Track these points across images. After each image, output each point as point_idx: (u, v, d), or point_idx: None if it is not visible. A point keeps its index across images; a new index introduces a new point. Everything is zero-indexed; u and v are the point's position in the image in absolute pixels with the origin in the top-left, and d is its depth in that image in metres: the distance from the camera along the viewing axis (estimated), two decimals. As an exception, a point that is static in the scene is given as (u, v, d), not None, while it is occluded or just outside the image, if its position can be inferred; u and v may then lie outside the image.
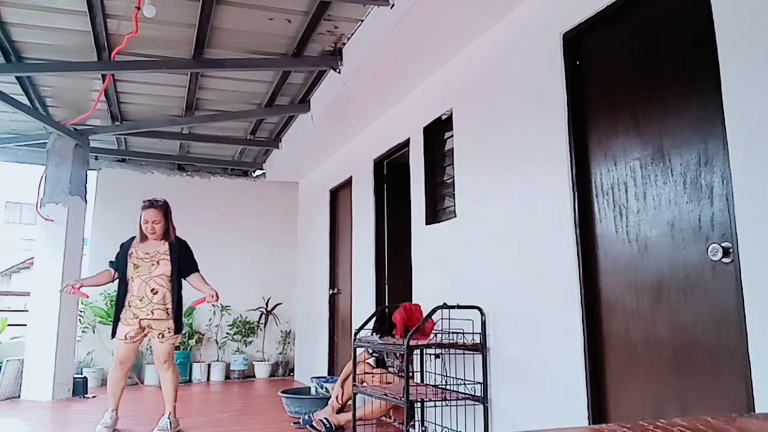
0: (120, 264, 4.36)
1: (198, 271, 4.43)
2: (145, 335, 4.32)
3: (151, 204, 4.35)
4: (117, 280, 4.38)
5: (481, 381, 3.34)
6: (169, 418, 4.26)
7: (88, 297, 4.46)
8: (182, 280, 4.37)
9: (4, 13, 4.09)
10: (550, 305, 2.93)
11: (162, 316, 4.23)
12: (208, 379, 7.45)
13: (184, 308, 4.58)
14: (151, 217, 4.29)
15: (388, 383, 4.04)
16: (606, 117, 2.71)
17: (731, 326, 2.05)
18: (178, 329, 4.31)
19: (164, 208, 4.36)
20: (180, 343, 7.24)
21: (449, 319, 3.45)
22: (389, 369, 4.42)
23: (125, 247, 4.39)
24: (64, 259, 5.92)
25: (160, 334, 4.24)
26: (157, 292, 4.22)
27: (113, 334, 4.30)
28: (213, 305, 7.59)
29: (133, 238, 4.40)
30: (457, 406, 3.52)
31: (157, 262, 4.27)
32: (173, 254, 4.31)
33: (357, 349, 3.93)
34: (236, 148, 7.33)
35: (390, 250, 5.27)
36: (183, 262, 4.38)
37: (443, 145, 4.28)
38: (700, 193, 2.20)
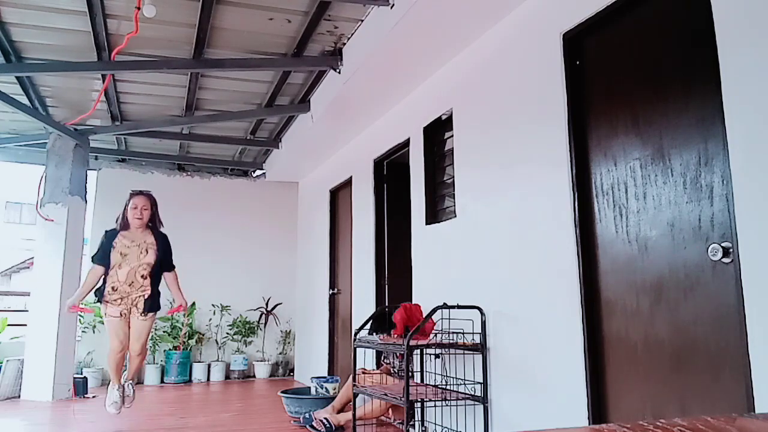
0: (103, 257, 4.42)
1: (173, 270, 4.61)
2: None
3: (140, 192, 4.55)
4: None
5: (481, 381, 3.34)
6: (131, 381, 4.55)
7: (93, 312, 4.57)
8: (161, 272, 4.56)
9: (4, 13, 4.09)
10: (550, 305, 2.93)
11: (149, 296, 4.41)
12: (208, 379, 7.45)
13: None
14: (140, 202, 4.44)
15: (385, 384, 4.03)
16: (606, 117, 2.71)
17: (731, 326, 2.05)
18: (156, 307, 4.52)
19: (152, 198, 4.55)
20: (180, 343, 7.27)
21: (449, 319, 3.45)
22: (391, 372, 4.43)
23: (109, 238, 4.46)
24: (64, 259, 5.92)
25: (142, 312, 4.39)
26: (146, 277, 4.41)
27: (98, 299, 4.46)
28: (213, 305, 7.62)
29: (116, 229, 4.48)
30: (457, 406, 3.52)
31: (146, 250, 4.42)
32: (159, 245, 4.48)
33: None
34: (236, 148, 7.33)
35: (390, 250, 5.27)
36: (165, 258, 4.55)
37: (443, 145, 4.28)
38: (700, 193, 2.20)
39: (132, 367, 4.54)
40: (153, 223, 4.51)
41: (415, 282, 4.46)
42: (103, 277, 4.45)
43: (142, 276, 4.39)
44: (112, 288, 4.36)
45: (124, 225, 4.46)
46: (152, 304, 4.45)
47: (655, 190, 2.40)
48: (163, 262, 4.53)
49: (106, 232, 4.53)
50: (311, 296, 7.25)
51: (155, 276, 4.47)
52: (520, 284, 3.19)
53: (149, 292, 4.42)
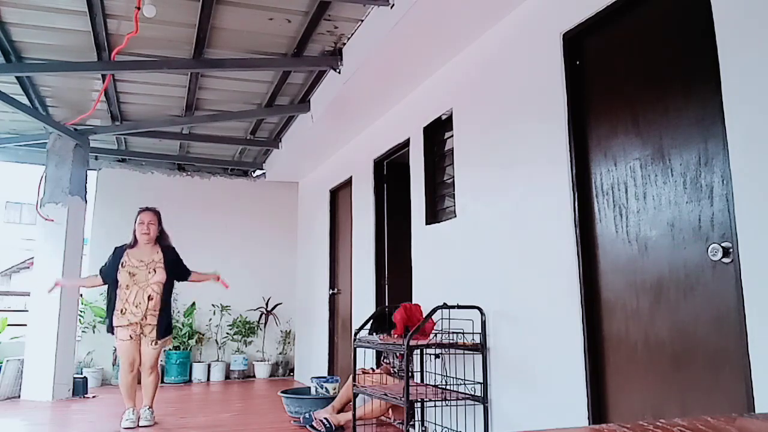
0: (110, 272, 4.55)
1: (191, 272, 4.78)
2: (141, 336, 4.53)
3: (147, 208, 4.71)
4: (107, 285, 4.59)
5: (481, 381, 3.34)
6: (149, 409, 4.55)
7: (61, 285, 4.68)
8: (173, 287, 4.66)
9: (4, 13, 4.09)
10: (550, 305, 2.93)
11: (153, 322, 4.47)
12: (208, 379, 7.45)
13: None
14: (147, 218, 4.61)
15: (385, 384, 4.03)
16: (606, 117, 2.71)
17: (731, 326, 2.05)
18: (168, 332, 4.61)
19: (158, 214, 4.71)
20: (180, 343, 7.27)
21: (449, 319, 3.45)
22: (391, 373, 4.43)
23: (117, 255, 4.59)
24: (64, 259, 5.92)
25: (152, 341, 4.49)
26: (152, 298, 4.48)
27: (109, 330, 4.56)
28: (213, 305, 7.62)
29: (125, 246, 4.62)
30: (457, 406, 3.52)
31: (154, 270, 4.52)
32: (167, 262, 4.58)
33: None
34: (236, 148, 7.33)
35: (390, 250, 5.27)
36: (177, 270, 4.67)
37: (443, 145, 4.28)
38: (700, 193, 2.20)
39: (148, 391, 4.55)
40: (160, 239, 4.64)
41: (415, 282, 4.45)
42: (108, 295, 4.57)
43: (149, 297, 4.45)
44: (121, 312, 4.44)
45: (134, 242, 4.61)
46: (163, 330, 4.53)
47: (655, 190, 2.40)
48: (178, 275, 4.65)
49: (116, 248, 4.65)
50: (311, 296, 7.25)
51: (164, 297, 4.53)
52: (520, 284, 3.18)
53: (157, 316, 4.47)
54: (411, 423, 3.49)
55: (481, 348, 3.37)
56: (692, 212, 2.23)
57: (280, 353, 7.95)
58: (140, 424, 4.45)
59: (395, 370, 4.45)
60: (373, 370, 4.43)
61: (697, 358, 2.19)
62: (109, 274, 4.55)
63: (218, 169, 8.13)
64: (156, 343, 4.48)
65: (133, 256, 4.52)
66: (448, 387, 3.55)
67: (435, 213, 4.30)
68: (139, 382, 4.56)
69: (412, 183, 4.56)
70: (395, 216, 5.15)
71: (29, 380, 5.80)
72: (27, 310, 6.27)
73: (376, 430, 4.24)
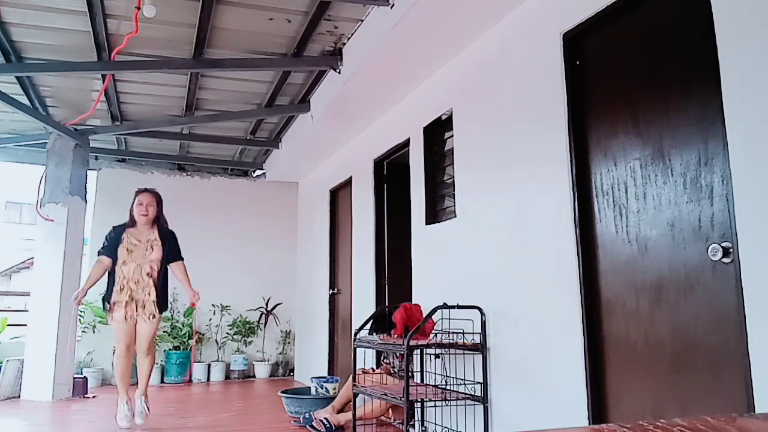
0: (111, 249, 4.52)
1: (182, 260, 4.68)
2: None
3: (146, 189, 4.67)
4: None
5: (481, 381, 3.34)
6: (143, 398, 4.52)
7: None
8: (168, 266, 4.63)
9: (4, 13, 4.09)
10: (550, 305, 2.93)
11: (154, 297, 4.47)
12: (208, 379, 7.45)
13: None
14: (145, 199, 4.58)
15: (385, 384, 4.04)
16: (606, 117, 2.71)
17: (731, 326, 2.05)
18: (163, 308, 4.57)
19: (158, 196, 4.67)
20: (180, 343, 7.27)
21: (449, 319, 3.45)
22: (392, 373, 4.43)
23: (117, 232, 4.55)
24: (64, 259, 5.92)
25: (150, 314, 4.46)
26: (151, 275, 4.48)
27: (105, 308, 4.53)
28: (213, 305, 7.62)
29: (124, 225, 4.59)
30: (457, 406, 3.52)
31: (151, 247, 4.52)
32: (163, 240, 4.57)
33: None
34: (236, 148, 7.33)
35: (390, 250, 5.27)
36: (170, 249, 4.62)
37: (443, 145, 4.28)
38: (700, 193, 2.20)
39: (142, 374, 4.53)
40: (158, 220, 4.61)
41: (415, 282, 4.45)
42: (108, 271, 4.51)
43: (147, 274, 4.46)
44: (120, 288, 4.43)
45: (131, 222, 4.57)
46: (159, 306, 4.50)
47: (655, 190, 2.40)
48: (169, 253, 4.60)
49: (114, 227, 4.61)
50: (311, 296, 7.25)
51: (161, 275, 4.52)
52: (520, 284, 3.18)
53: (155, 292, 4.47)
54: (411, 423, 3.49)
55: (481, 348, 3.37)
56: (692, 212, 2.23)
57: (280, 353, 7.96)
58: (136, 421, 4.44)
59: (395, 370, 4.45)
60: (373, 370, 4.44)
61: (697, 358, 2.19)
62: (112, 250, 4.49)
63: (218, 169, 8.13)
64: (154, 317, 4.45)
65: (131, 235, 4.51)
66: (448, 387, 3.55)
67: (435, 213, 4.30)
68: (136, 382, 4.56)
69: (412, 183, 4.56)
70: (395, 216, 5.15)
71: (29, 380, 5.79)
72: (27, 310, 6.27)
73: (376, 430, 4.24)
